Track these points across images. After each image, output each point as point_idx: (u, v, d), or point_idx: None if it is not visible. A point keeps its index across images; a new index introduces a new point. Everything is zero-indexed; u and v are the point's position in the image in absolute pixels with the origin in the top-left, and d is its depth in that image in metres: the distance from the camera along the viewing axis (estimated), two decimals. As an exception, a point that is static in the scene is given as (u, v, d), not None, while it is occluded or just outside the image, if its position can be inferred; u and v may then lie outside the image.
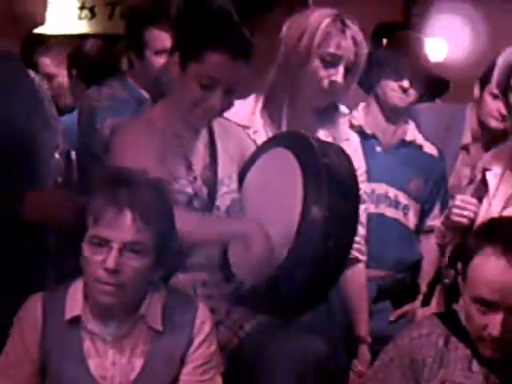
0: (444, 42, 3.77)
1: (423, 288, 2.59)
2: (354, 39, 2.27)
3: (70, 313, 1.80)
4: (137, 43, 2.87)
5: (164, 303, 1.84)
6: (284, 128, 2.32)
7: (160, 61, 2.78)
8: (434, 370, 1.90)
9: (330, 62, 2.25)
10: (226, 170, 2.21)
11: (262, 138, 2.30)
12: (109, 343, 1.80)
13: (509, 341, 1.79)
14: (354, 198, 2.07)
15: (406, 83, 2.60)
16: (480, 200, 2.31)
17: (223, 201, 2.17)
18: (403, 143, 2.71)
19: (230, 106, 2.12)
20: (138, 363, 1.81)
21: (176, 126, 2.15)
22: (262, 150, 2.25)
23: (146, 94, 2.87)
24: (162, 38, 2.78)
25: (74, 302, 1.83)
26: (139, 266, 1.74)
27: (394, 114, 2.67)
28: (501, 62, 2.30)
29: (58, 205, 1.91)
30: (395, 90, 2.61)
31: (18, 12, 1.95)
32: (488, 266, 1.77)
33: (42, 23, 1.98)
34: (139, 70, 2.92)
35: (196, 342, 1.85)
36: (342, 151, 2.12)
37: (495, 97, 2.61)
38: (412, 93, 2.62)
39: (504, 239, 1.78)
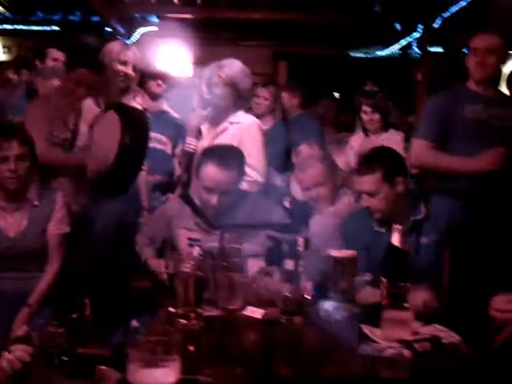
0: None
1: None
2: (134, 52, 3.67)
3: (-10, 196, 2.90)
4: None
5: (39, 192, 2.97)
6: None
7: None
8: (178, 220, 3.01)
9: (123, 63, 3.65)
10: (82, 128, 3.45)
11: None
12: (9, 212, 2.91)
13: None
14: (146, 136, 3.38)
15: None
16: (198, 139, 3.68)
17: (78, 143, 3.43)
18: (161, 112, 4.22)
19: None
20: (25, 222, 2.91)
21: (58, 103, 3.39)
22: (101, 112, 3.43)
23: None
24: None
25: None
26: (24, 167, 2.85)
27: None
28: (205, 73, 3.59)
29: None
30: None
31: None
32: (209, 171, 2.85)
33: None
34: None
35: (55, 210, 2.98)
36: (142, 112, 3.44)
37: None
38: None
39: (215, 158, 2.85)
